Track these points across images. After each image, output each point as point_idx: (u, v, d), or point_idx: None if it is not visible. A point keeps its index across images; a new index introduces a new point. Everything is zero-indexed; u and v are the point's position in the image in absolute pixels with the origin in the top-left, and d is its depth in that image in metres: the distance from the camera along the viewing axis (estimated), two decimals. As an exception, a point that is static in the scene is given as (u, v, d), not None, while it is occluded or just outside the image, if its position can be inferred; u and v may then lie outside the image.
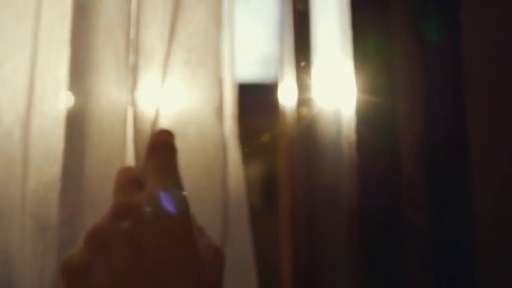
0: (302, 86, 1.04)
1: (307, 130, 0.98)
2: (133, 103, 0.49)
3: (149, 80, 0.49)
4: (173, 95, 0.51)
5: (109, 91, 0.48)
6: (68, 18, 0.48)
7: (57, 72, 0.48)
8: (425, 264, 0.55)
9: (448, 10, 0.51)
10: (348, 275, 0.72)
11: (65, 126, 0.48)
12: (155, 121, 0.49)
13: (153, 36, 0.49)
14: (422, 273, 0.55)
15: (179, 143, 0.49)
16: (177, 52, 0.51)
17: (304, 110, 1.05)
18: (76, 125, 0.47)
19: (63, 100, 0.48)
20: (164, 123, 0.50)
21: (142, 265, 0.42)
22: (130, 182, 0.48)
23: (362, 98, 0.58)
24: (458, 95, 0.50)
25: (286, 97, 1.20)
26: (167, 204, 0.44)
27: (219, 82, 0.53)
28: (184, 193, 0.46)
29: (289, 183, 1.24)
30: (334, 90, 0.74)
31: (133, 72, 0.49)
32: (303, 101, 1.05)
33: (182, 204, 0.45)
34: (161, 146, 0.48)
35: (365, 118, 0.58)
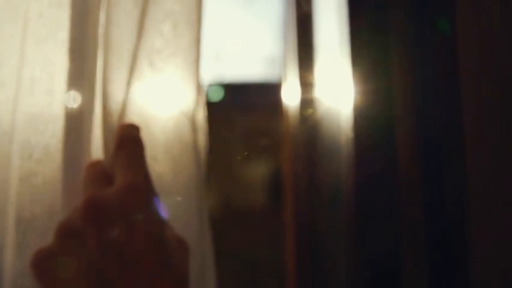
0: (305, 85, 1.05)
1: (309, 128, 1.00)
2: (103, 98, 0.49)
3: (119, 75, 0.50)
4: (142, 91, 0.51)
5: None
6: (59, 19, 0.49)
7: (49, 71, 0.49)
8: (420, 256, 0.56)
9: (444, 9, 0.53)
10: (346, 264, 0.74)
11: (64, 123, 0.48)
12: (122, 116, 0.50)
13: (122, 33, 0.49)
14: (418, 264, 0.57)
15: (145, 139, 0.49)
16: (146, 49, 0.51)
17: (307, 109, 1.06)
18: (74, 122, 0.48)
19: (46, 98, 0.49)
20: (132, 119, 0.50)
21: (113, 259, 0.42)
22: (99, 175, 0.48)
23: (360, 97, 0.59)
24: (454, 93, 0.52)
25: (290, 96, 1.21)
26: (138, 198, 0.44)
27: (189, 81, 0.53)
28: (153, 187, 0.47)
29: (292, 180, 1.26)
30: (333, 90, 0.76)
31: (103, 68, 0.50)
32: (305, 100, 1.07)
33: (150, 198, 0.46)
34: (128, 140, 0.48)
35: (363, 116, 0.59)
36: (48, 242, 0.45)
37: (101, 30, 0.50)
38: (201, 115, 0.55)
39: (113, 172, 0.48)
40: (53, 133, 0.48)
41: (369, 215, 0.61)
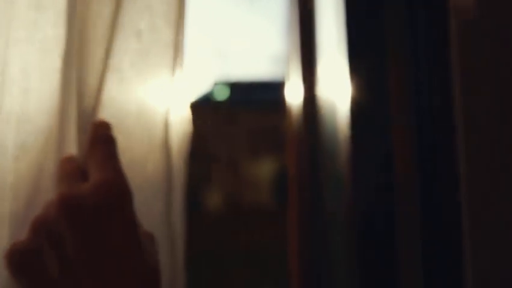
0: (307, 83, 1.07)
1: (311, 127, 1.01)
2: (77, 96, 0.50)
3: (93, 73, 0.51)
4: (116, 89, 0.52)
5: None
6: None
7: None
8: (417, 252, 0.58)
9: (436, 7, 0.54)
10: (346, 260, 0.75)
11: (39, 122, 0.49)
12: (95, 114, 0.50)
13: (97, 32, 0.50)
14: (413, 257, 0.58)
15: (117, 135, 0.50)
16: (122, 48, 0.52)
17: (309, 107, 1.08)
18: (50, 120, 0.49)
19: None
20: (105, 115, 0.51)
21: (88, 255, 0.43)
22: (73, 171, 0.48)
23: (357, 95, 0.60)
24: (448, 91, 0.53)
25: (293, 94, 1.22)
26: (112, 194, 0.45)
27: (164, 80, 0.54)
28: (127, 184, 0.47)
29: (297, 178, 1.27)
30: (333, 88, 0.77)
31: (78, 67, 0.50)
32: (308, 99, 1.08)
33: (125, 195, 0.46)
34: (101, 139, 0.49)
35: (360, 114, 0.60)
36: (23, 237, 0.45)
37: (76, 30, 0.51)
38: (178, 115, 0.55)
39: (87, 169, 0.49)
40: (29, 132, 0.49)
41: (366, 212, 0.62)
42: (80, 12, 0.51)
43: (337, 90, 0.72)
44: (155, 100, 0.54)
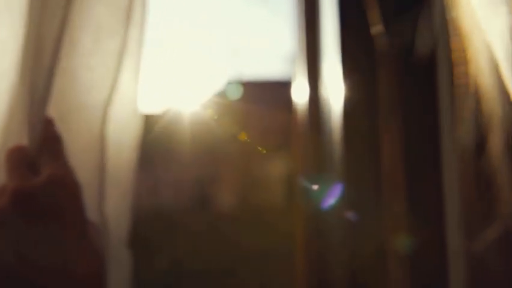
0: (311, 84, 1.08)
1: (314, 127, 1.03)
2: (29, 92, 0.51)
3: (45, 69, 0.52)
4: (63, 81, 0.54)
5: None
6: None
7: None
8: (403, 243, 0.59)
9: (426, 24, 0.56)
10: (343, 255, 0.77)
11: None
12: (44, 108, 0.52)
13: (51, 30, 0.51)
14: (401, 254, 0.60)
15: (60, 125, 0.52)
16: (72, 47, 0.54)
17: (313, 107, 1.09)
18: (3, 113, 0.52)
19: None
20: (52, 110, 0.53)
21: (40, 247, 0.44)
22: (24, 162, 0.49)
23: (349, 98, 0.62)
24: (433, 97, 0.55)
25: (299, 94, 1.24)
26: (63, 188, 0.47)
27: (106, 75, 0.56)
28: (77, 179, 0.49)
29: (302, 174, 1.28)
30: (330, 90, 0.79)
31: (32, 63, 0.52)
32: (312, 99, 1.10)
33: (76, 188, 0.48)
34: (48, 136, 0.51)
35: (351, 116, 0.62)
36: None
37: (30, 31, 0.52)
38: (127, 113, 0.57)
39: (36, 160, 0.50)
40: None
41: (358, 209, 0.64)
42: (34, 13, 0.51)
43: (333, 91, 0.74)
44: (98, 97, 0.55)
